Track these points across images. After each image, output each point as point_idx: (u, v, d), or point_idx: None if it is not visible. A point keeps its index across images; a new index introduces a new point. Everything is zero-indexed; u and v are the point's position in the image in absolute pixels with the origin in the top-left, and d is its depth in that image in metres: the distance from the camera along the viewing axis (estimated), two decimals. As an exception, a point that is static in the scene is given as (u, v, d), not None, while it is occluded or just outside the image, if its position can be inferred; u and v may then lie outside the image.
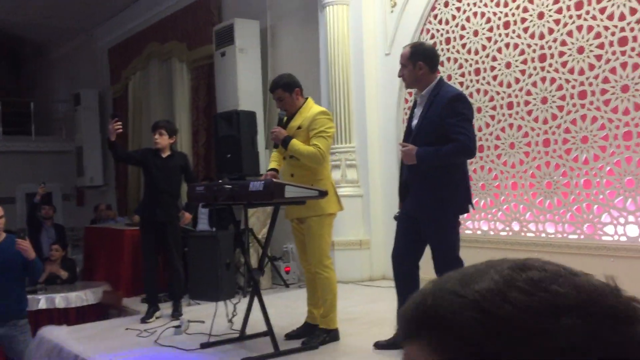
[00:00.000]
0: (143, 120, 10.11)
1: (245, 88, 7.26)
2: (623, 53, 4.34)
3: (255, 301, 3.87)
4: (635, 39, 4.28)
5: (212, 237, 5.88)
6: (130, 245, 6.50)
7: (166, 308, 5.14)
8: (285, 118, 3.94)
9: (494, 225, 5.25)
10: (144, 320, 4.83)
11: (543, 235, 4.87)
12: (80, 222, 11.21)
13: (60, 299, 6.19)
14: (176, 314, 4.96)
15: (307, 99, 3.98)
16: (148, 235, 5.00)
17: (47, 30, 12.36)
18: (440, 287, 0.58)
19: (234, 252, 6.39)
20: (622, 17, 4.34)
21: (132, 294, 6.28)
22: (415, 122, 3.50)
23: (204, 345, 3.89)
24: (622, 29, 4.34)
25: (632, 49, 4.29)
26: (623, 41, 4.34)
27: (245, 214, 5.98)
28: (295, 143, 3.76)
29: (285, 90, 3.87)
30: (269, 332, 3.67)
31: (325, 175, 3.89)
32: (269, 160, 4.18)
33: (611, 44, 4.41)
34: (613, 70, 4.41)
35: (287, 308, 5.02)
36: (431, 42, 5.70)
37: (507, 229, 5.14)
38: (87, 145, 11.42)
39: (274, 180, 3.47)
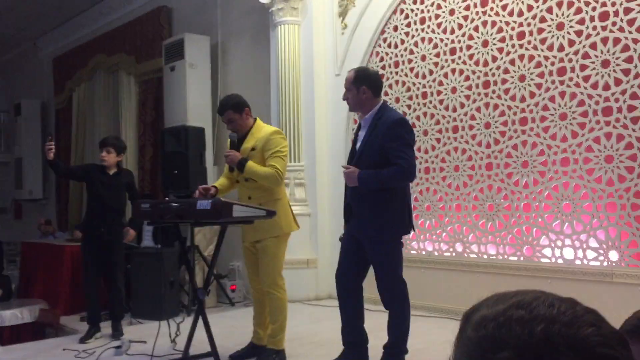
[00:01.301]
0: (87, 132, 9.87)
1: (194, 103, 7.19)
2: (562, 82, 4.54)
3: (200, 320, 3.81)
4: (572, 69, 4.48)
5: (157, 254, 5.78)
6: (70, 262, 6.29)
7: (106, 327, 4.99)
8: (236, 140, 3.93)
9: (439, 246, 5.36)
10: (82, 341, 4.68)
11: (485, 256, 5.00)
12: (17, 237, 10.79)
13: (-6, 317, 5.93)
14: (117, 333, 4.82)
15: (255, 119, 3.98)
16: (91, 252, 4.86)
17: (-12, 37, 11.95)
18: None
19: (178, 270, 6.29)
20: (561, 48, 4.54)
21: (70, 312, 6.06)
22: (359, 144, 3.56)
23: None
24: (561, 60, 4.54)
25: (570, 79, 4.49)
26: (562, 71, 4.54)
27: (192, 232, 5.90)
28: (252, 165, 3.75)
29: (235, 111, 3.86)
30: (213, 353, 3.62)
31: (281, 195, 3.90)
32: (218, 179, 4.16)
33: (550, 73, 4.60)
34: (552, 99, 4.60)
35: (232, 327, 4.96)
36: (380, 64, 5.82)
37: (451, 249, 5.25)
38: (26, 157, 11.03)
39: (222, 199, 3.44)
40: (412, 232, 3.67)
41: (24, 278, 7.13)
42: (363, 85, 3.50)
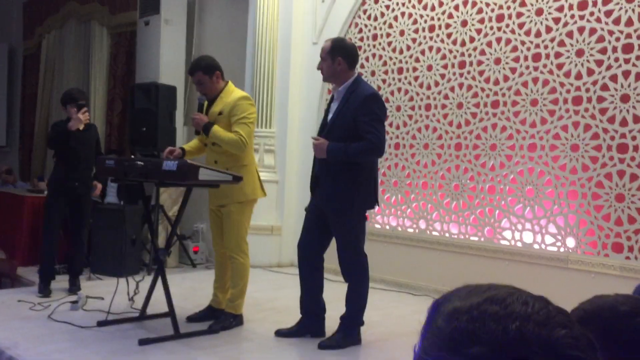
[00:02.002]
0: (55, 81, 9.60)
1: (167, 61, 7.04)
2: (535, 68, 4.57)
3: (159, 281, 3.80)
4: (547, 56, 4.51)
5: (120, 211, 5.71)
6: (30, 213, 6.17)
7: (62, 281, 4.93)
8: (205, 103, 3.87)
9: (402, 222, 5.41)
10: (45, 294, 4.60)
11: (447, 235, 5.07)
12: (-23, 183, 10.55)
13: (-52, 264, 5.82)
14: (74, 288, 4.78)
15: (227, 82, 3.92)
16: (59, 206, 4.75)
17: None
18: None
19: (141, 228, 6.23)
20: (538, 34, 4.56)
21: (28, 263, 5.98)
22: (330, 116, 3.55)
23: (100, 323, 3.78)
24: (537, 46, 4.57)
25: (544, 66, 4.53)
26: (537, 57, 4.57)
27: (157, 192, 5.85)
28: (217, 130, 3.71)
29: (205, 73, 3.79)
30: (171, 313, 3.63)
31: (249, 161, 3.88)
32: (189, 140, 4.11)
33: (525, 58, 4.63)
34: (525, 84, 4.63)
35: (192, 289, 4.96)
36: (359, 36, 5.77)
37: (415, 226, 5.32)
38: (-9, 103, 10.72)
39: (189, 161, 3.41)
40: (377, 207, 3.69)
41: (-18, 226, 6.99)
42: (339, 56, 3.47)
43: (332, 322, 3.68)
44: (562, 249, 4.40)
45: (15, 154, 10.70)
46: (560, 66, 4.45)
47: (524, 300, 0.64)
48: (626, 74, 4.12)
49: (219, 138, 3.71)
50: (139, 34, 7.39)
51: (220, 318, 3.89)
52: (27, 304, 4.29)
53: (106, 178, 6.67)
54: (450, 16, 5.10)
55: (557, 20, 4.47)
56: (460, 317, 0.63)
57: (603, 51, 4.23)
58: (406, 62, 5.43)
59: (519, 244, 4.62)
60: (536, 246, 4.52)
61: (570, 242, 4.37)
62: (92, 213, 5.82)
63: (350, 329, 3.58)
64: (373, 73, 5.67)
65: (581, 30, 4.34)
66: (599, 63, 4.25)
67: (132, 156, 6.11)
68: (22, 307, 4.23)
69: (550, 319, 0.62)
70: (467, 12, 4.99)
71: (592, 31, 4.28)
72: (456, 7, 5.06)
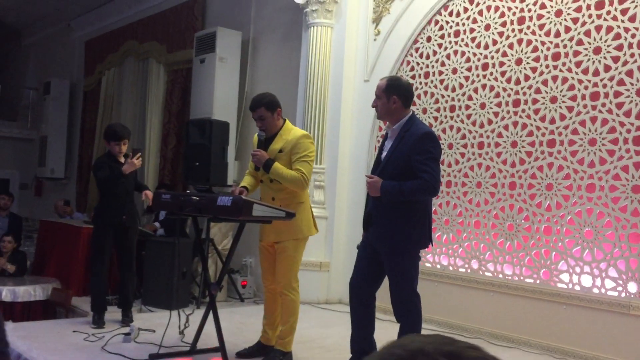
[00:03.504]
0: (113, 116, 9.95)
1: (221, 97, 7.22)
2: (594, 107, 4.48)
3: (209, 315, 3.82)
4: (606, 95, 4.42)
5: (171, 244, 5.80)
6: (86, 243, 6.34)
7: (114, 313, 5.00)
8: (264, 139, 3.91)
9: (454, 261, 5.31)
10: (99, 326, 4.67)
11: (500, 276, 4.94)
12: (35, 214, 10.93)
13: (7, 292, 5.99)
14: (127, 319, 4.84)
15: (285, 120, 3.97)
16: (108, 237, 4.84)
17: (24, 14, 12.12)
18: None
19: (191, 261, 6.31)
20: (596, 73, 4.48)
21: (82, 293, 6.12)
22: (384, 154, 3.54)
23: (153, 356, 3.81)
24: (595, 84, 4.48)
25: (603, 105, 4.43)
26: (595, 96, 4.48)
27: (208, 225, 5.92)
28: (278, 167, 3.74)
29: (267, 110, 3.84)
30: (221, 348, 3.63)
31: (305, 198, 3.90)
32: (240, 174, 4.16)
33: (583, 97, 4.54)
34: (582, 123, 4.54)
35: (241, 324, 4.96)
36: (410, 74, 5.79)
37: (466, 266, 5.21)
38: (52, 136, 11.16)
39: (243, 197, 3.44)
40: (429, 246, 3.63)
41: (39, 256, 7.21)
42: (394, 95, 3.48)
43: (383, 363, 3.60)
44: (623, 294, 4.22)
45: (73, 186, 11.07)
46: (620, 105, 4.34)
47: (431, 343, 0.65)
48: (691, 113, 3.99)
49: (281, 175, 3.74)
50: (195, 71, 7.61)
51: (269, 355, 3.87)
52: (81, 335, 4.37)
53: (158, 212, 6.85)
54: (505, 54, 5.07)
55: (616, 59, 4.38)
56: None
57: (665, 90, 4.12)
58: (459, 100, 5.41)
59: (577, 288, 4.45)
60: (595, 290, 4.35)
61: (632, 287, 4.19)
62: (144, 245, 5.94)
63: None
64: (425, 111, 5.66)
65: (642, 68, 4.23)
66: (661, 102, 4.13)
67: (187, 191, 6.24)
68: (76, 338, 4.31)
69: None
70: (521, 50, 4.95)
71: (654, 70, 4.18)
72: (510, 46, 5.03)
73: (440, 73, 5.57)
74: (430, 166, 3.33)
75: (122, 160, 4.82)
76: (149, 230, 6.68)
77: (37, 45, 13.16)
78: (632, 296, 4.17)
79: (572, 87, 4.62)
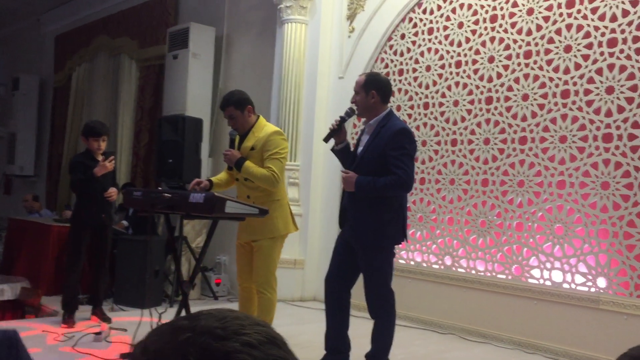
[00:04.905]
0: (84, 113, 9.78)
1: (194, 94, 7.15)
2: (564, 105, 4.54)
3: (182, 313, 3.78)
4: (577, 93, 4.48)
5: (143, 242, 5.73)
6: (56, 242, 6.23)
7: (85, 312, 4.93)
8: (237, 138, 3.88)
9: (428, 258, 5.34)
10: (70, 325, 4.60)
11: (473, 272, 4.99)
12: (4, 212, 10.69)
13: (-26, 292, 5.86)
14: (105, 317, 4.78)
15: (258, 117, 3.94)
16: (83, 236, 4.78)
17: (-8, 8, 11.85)
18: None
19: (164, 259, 6.24)
20: (566, 71, 4.54)
21: (52, 293, 6.01)
22: (360, 149, 3.54)
23: (124, 356, 3.75)
24: (566, 82, 4.54)
25: (574, 102, 4.49)
26: (565, 94, 4.54)
27: (181, 223, 5.86)
28: (249, 166, 3.71)
29: (237, 108, 3.81)
30: (194, 347, 3.58)
31: (281, 196, 3.87)
32: (213, 171, 4.12)
33: (554, 95, 4.60)
34: (553, 120, 4.59)
35: (214, 322, 4.92)
36: (385, 71, 5.80)
37: (440, 262, 5.24)
38: (21, 133, 10.94)
39: (216, 194, 3.41)
40: (403, 242, 3.65)
41: (8, 254, 7.05)
42: (372, 90, 3.48)
43: (356, 359, 3.60)
44: (592, 289, 4.29)
45: (43, 184, 10.87)
46: (589, 103, 4.41)
47: (221, 317, 0.63)
48: (658, 111, 4.06)
49: (251, 174, 3.71)
50: (167, 67, 7.53)
51: (243, 353, 3.84)
52: (51, 334, 4.29)
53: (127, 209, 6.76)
54: (477, 52, 5.11)
55: (586, 57, 4.44)
56: (153, 330, 0.65)
57: (634, 89, 4.19)
58: (432, 97, 5.43)
59: (548, 283, 4.51)
60: (566, 285, 4.42)
61: (602, 282, 4.26)
62: (115, 243, 5.86)
63: (376, 368, 3.50)
64: (399, 108, 5.67)
65: (611, 67, 4.30)
66: (630, 100, 4.20)
67: (159, 188, 6.17)
68: (46, 338, 4.23)
69: (232, 336, 0.61)
70: (494, 49, 4.99)
71: (623, 68, 4.25)
72: (483, 44, 5.07)
73: (414, 70, 5.60)
74: (404, 162, 3.34)
75: (100, 158, 4.75)
76: (120, 228, 6.59)
77: (5, 40, 12.87)
78: (601, 291, 4.24)
79: (543, 85, 4.67)
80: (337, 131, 3.63)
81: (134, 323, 4.00)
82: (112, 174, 4.91)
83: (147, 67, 8.48)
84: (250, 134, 3.84)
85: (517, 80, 4.83)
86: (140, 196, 3.77)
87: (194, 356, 0.59)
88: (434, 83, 5.42)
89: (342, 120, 3.63)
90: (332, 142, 3.75)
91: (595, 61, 4.39)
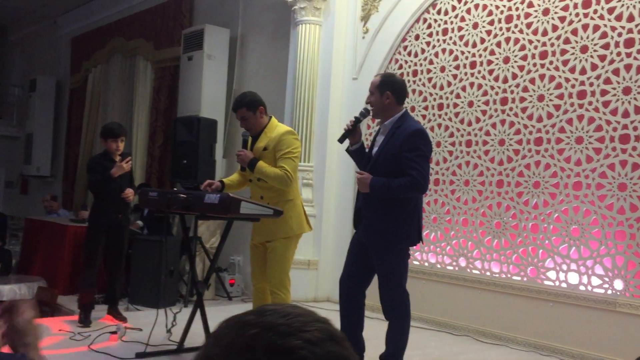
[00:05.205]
0: (100, 114, 9.88)
1: (208, 95, 7.18)
2: (581, 106, 4.50)
3: (197, 313, 3.80)
4: (593, 93, 4.44)
5: (158, 242, 5.77)
6: (72, 242, 6.29)
7: (101, 311, 4.97)
8: (250, 139, 3.90)
9: (442, 259, 5.32)
10: (86, 324, 4.64)
11: (488, 273, 4.96)
12: (21, 212, 10.82)
13: (-8, 291, 5.93)
14: (119, 317, 4.82)
15: (270, 117, 3.95)
16: (100, 237, 4.82)
17: (10, 10, 11.99)
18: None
19: (179, 259, 6.28)
20: (583, 71, 4.50)
21: (68, 292, 6.07)
22: (375, 150, 3.53)
23: (139, 355, 3.78)
24: (582, 83, 4.50)
25: (590, 103, 4.45)
26: (582, 94, 4.50)
27: (195, 223, 5.89)
28: (262, 166, 3.72)
29: (249, 109, 3.82)
30: (209, 347, 3.60)
31: (294, 196, 3.87)
32: (228, 172, 4.14)
33: (570, 95, 4.57)
34: (569, 121, 4.56)
35: (228, 322, 4.93)
36: (399, 72, 5.79)
37: (454, 264, 5.22)
38: (37, 133, 11.06)
39: (231, 194, 3.42)
40: (418, 244, 3.63)
41: (25, 254, 7.14)
42: (387, 91, 3.47)
43: (371, 360, 3.60)
44: (609, 292, 4.25)
45: (59, 184, 10.98)
46: (606, 104, 4.37)
47: (285, 314, 0.68)
48: (676, 112, 4.02)
49: (264, 174, 3.72)
50: (182, 68, 7.57)
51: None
52: (67, 333, 4.33)
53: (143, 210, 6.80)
54: (492, 53, 5.08)
55: (602, 58, 4.41)
56: (220, 325, 0.71)
57: (651, 89, 4.15)
58: (447, 98, 5.42)
59: (564, 285, 4.48)
60: (582, 288, 4.38)
61: (618, 284, 4.22)
62: (131, 244, 5.90)
63: (390, 369, 3.49)
64: (413, 109, 5.66)
65: (628, 67, 4.26)
66: (647, 101, 4.16)
67: (174, 188, 6.21)
68: (62, 336, 4.27)
69: (296, 332, 0.66)
70: (509, 49, 4.97)
71: (639, 69, 4.21)
72: (498, 44, 5.05)
73: (429, 71, 5.58)
74: (419, 163, 3.33)
75: (118, 159, 4.80)
76: (135, 229, 6.63)
77: (23, 41, 13.02)
78: (618, 293, 4.20)
79: (559, 86, 4.64)
80: (351, 132, 3.62)
81: (150, 323, 4.03)
82: (129, 175, 4.96)
83: (162, 69, 8.53)
84: (263, 135, 3.85)
85: (532, 81, 4.80)
86: (156, 197, 3.81)
87: (261, 351, 0.65)
88: (449, 84, 5.40)
89: (357, 120, 3.62)
90: (346, 143, 3.74)
91: (612, 62, 4.35)
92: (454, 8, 5.40)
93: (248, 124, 3.85)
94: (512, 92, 4.93)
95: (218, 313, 5.29)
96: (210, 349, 0.68)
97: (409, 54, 5.77)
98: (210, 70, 7.21)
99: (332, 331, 0.69)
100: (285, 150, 3.75)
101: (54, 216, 8.31)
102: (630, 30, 4.27)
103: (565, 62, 4.61)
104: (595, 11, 4.47)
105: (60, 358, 3.76)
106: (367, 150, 3.69)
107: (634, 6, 4.26)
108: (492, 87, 5.06)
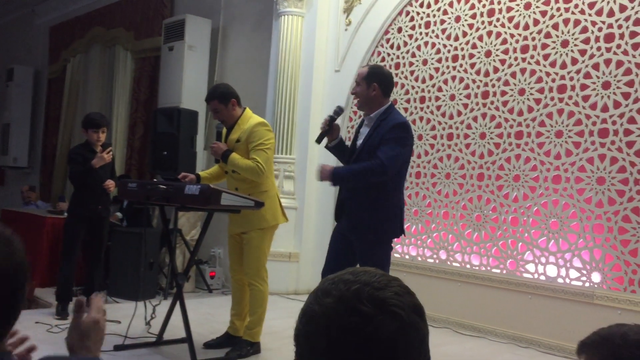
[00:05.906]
0: (79, 104, 9.74)
1: (190, 86, 7.12)
2: (561, 100, 4.53)
3: (176, 306, 3.77)
4: (573, 87, 4.48)
5: (138, 234, 5.71)
6: (50, 234, 6.21)
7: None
8: (224, 130, 3.89)
9: (423, 252, 5.34)
10: (62, 316, 4.58)
11: (468, 266, 4.99)
12: (-3, 203, 10.65)
13: (-33, 283, 5.82)
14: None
15: (244, 109, 3.93)
16: (80, 229, 4.76)
17: (-14, -2, 11.76)
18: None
19: (159, 252, 6.23)
20: (563, 65, 4.54)
21: (46, 284, 5.99)
22: (359, 141, 3.52)
23: (117, 348, 3.74)
24: (563, 77, 4.54)
25: (570, 97, 4.49)
26: (562, 88, 4.53)
27: (175, 215, 5.84)
28: (234, 158, 3.72)
29: (220, 102, 3.81)
30: (188, 339, 3.58)
31: (269, 187, 3.86)
32: (209, 164, 4.11)
33: (550, 89, 4.60)
34: (550, 115, 4.59)
35: (209, 315, 4.91)
36: (381, 65, 5.77)
37: (435, 256, 5.24)
38: (15, 124, 10.87)
39: (211, 186, 3.40)
40: (401, 236, 3.63)
41: (1, 246, 7.01)
42: (374, 82, 3.44)
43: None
44: (587, 284, 4.30)
45: (37, 175, 10.82)
46: (586, 98, 4.40)
47: (373, 274, 0.92)
48: (654, 107, 4.06)
49: (237, 165, 3.71)
50: (163, 59, 7.49)
51: (237, 345, 3.84)
52: (44, 326, 4.28)
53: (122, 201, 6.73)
54: (474, 46, 5.10)
55: (583, 52, 4.44)
56: (325, 282, 0.93)
57: (630, 84, 4.19)
58: (428, 91, 5.42)
59: (543, 278, 4.52)
60: (560, 280, 4.43)
61: (596, 277, 4.27)
62: (110, 236, 5.84)
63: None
64: (395, 102, 5.65)
65: (607, 62, 4.30)
66: (626, 96, 4.20)
67: (154, 179, 6.15)
68: (39, 329, 4.21)
69: (386, 288, 0.89)
70: (491, 43, 4.98)
71: (619, 64, 4.25)
72: (480, 38, 5.06)
73: (411, 64, 5.58)
74: (391, 147, 3.27)
75: (99, 150, 4.74)
76: (114, 220, 6.56)
77: (0, 30, 12.79)
78: (595, 286, 4.25)
79: (539, 80, 4.67)
80: (328, 132, 3.60)
81: (128, 315, 3.99)
82: (111, 166, 4.91)
83: (142, 59, 8.43)
84: (236, 127, 3.84)
85: (513, 75, 4.82)
86: (136, 188, 3.76)
87: (366, 298, 0.87)
88: (431, 77, 5.41)
89: (332, 119, 3.60)
90: (325, 140, 3.71)
91: (592, 56, 4.39)
92: (436, 1, 5.40)
93: (220, 116, 3.85)
94: (493, 85, 4.95)
95: (198, 305, 5.26)
96: (320, 299, 0.90)
97: (392, 46, 5.76)
98: (191, 61, 7.14)
99: (407, 287, 0.92)
100: (257, 142, 3.74)
101: (31, 207, 8.19)
102: (610, 25, 4.30)
103: (546, 57, 4.64)
104: (576, 5, 4.50)
105: (37, 350, 3.70)
106: (348, 143, 3.68)
107: (614, 1, 4.29)
108: (474, 81, 5.08)
